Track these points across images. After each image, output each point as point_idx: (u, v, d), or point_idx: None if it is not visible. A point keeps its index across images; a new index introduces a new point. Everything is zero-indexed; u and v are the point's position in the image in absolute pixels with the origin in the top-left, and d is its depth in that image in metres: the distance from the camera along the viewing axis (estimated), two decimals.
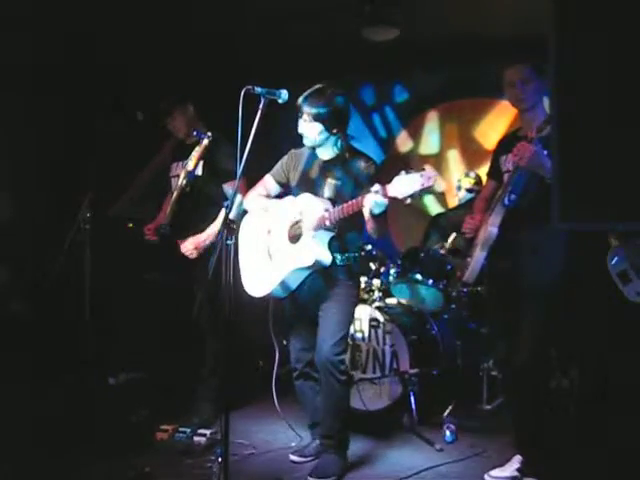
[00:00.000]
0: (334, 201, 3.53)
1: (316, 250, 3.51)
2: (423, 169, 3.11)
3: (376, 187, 3.17)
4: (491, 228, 3.45)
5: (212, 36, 5.50)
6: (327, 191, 3.60)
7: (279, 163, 3.88)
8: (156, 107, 4.55)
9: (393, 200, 3.19)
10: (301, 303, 3.78)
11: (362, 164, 3.60)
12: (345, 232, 3.59)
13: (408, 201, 3.12)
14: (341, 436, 3.73)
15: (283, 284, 3.66)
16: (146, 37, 5.29)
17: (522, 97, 3.47)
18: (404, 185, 3.08)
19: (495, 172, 3.74)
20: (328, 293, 3.65)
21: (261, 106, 3.24)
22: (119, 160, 4.29)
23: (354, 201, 3.33)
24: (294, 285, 3.68)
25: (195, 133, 4.24)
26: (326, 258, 3.54)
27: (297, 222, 3.61)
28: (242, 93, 3.12)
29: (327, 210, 3.46)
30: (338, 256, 3.60)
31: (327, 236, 3.54)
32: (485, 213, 3.63)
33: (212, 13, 5.18)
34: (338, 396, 3.68)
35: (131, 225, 5.30)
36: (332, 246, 3.57)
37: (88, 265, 4.08)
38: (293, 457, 3.96)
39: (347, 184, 3.58)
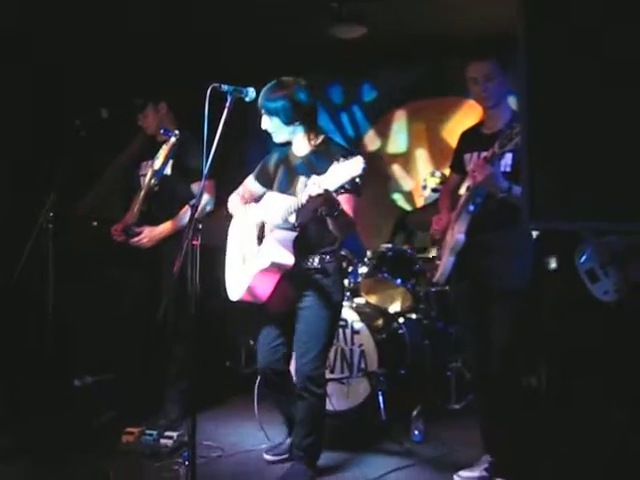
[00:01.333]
0: None
1: (274, 251, 3.35)
2: (354, 155, 2.96)
3: (313, 179, 3.02)
4: (458, 235, 3.46)
5: (180, 34, 5.45)
6: (298, 188, 3.43)
7: (261, 163, 3.76)
8: (126, 103, 4.50)
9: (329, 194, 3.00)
10: (276, 306, 3.59)
11: (337, 157, 3.28)
12: (310, 231, 3.44)
13: (342, 191, 3.02)
14: (313, 449, 3.62)
15: (253, 290, 3.47)
16: (116, 33, 5.23)
17: (485, 94, 3.46)
18: (334, 176, 2.93)
19: (458, 165, 3.74)
20: (303, 299, 3.50)
21: (228, 104, 3.19)
22: (83, 158, 4.22)
23: (299, 196, 3.20)
24: (266, 290, 3.47)
25: (162, 131, 4.20)
26: (286, 259, 3.36)
27: (263, 223, 3.51)
28: (208, 91, 3.08)
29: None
30: (306, 258, 3.47)
31: (290, 236, 3.38)
32: (450, 212, 3.64)
33: (182, 11, 5.13)
34: (315, 410, 3.57)
35: (95, 223, 5.24)
36: (297, 247, 3.40)
37: (51, 264, 4.01)
38: (267, 456, 3.89)
39: None
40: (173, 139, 4.06)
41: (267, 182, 3.69)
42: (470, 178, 3.42)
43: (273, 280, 3.44)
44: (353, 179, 2.90)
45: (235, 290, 3.60)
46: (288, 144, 3.61)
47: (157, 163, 4.14)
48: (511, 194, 3.22)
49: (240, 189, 3.83)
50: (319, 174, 3.15)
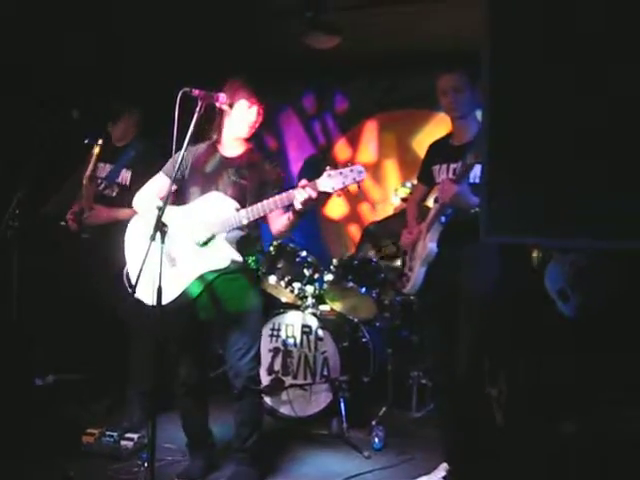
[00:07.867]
0: (239, 200, 3.37)
1: (230, 251, 3.34)
2: (352, 164, 3.13)
3: (303, 182, 3.13)
4: (430, 244, 3.50)
5: (155, 40, 5.44)
6: (230, 189, 3.44)
7: (171, 159, 3.55)
8: (103, 106, 4.51)
9: (324, 196, 3.20)
10: (202, 311, 3.55)
11: (267, 165, 3.53)
12: (252, 232, 3.50)
13: (337, 194, 3.15)
14: (257, 447, 3.64)
15: (186, 290, 3.42)
16: (89, 35, 5.22)
17: (454, 106, 3.53)
18: (334, 179, 3.09)
19: (425, 176, 3.79)
20: (235, 299, 3.51)
21: (198, 109, 3.21)
22: (52, 158, 4.19)
23: (282, 196, 3.21)
24: (196, 291, 3.46)
25: (87, 140, 4.27)
26: (239, 259, 3.37)
27: (204, 223, 3.36)
28: (179, 95, 3.09)
29: (238, 209, 3.31)
30: (246, 258, 3.47)
31: (238, 235, 3.40)
32: (419, 223, 3.69)
33: (156, 15, 5.12)
34: (256, 408, 3.67)
35: (63, 223, 5.19)
36: (240, 246, 3.41)
37: (16, 263, 3.99)
38: None
39: (253, 183, 3.45)
40: (97, 148, 4.21)
41: (182, 178, 3.59)
42: (439, 196, 3.46)
43: (207, 279, 3.45)
44: (355, 183, 3.11)
45: (164, 294, 3.28)
46: (198, 141, 3.63)
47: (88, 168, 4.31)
48: None
49: (150, 186, 3.65)
50: (253, 178, 3.42)
